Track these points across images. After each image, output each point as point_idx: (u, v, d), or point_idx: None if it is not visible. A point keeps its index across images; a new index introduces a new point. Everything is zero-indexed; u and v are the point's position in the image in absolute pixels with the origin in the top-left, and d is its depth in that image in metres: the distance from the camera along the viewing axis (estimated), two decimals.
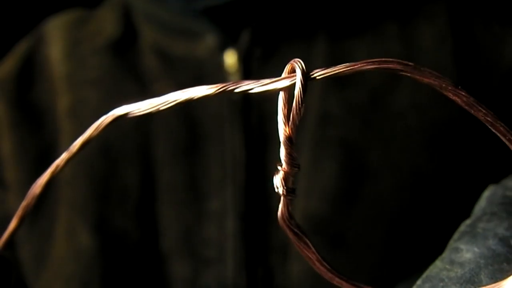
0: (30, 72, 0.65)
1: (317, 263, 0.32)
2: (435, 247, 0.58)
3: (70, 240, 0.60)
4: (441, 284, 0.33)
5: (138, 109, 0.32)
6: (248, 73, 0.60)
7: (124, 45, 0.63)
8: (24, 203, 0.35)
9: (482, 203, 0.39)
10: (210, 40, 0.61)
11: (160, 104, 0.31)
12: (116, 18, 0.65)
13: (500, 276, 0.32)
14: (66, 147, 0.59)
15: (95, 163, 0.60)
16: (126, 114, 0.32)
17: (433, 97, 0.58)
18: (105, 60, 0.63)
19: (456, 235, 0.37)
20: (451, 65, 0.59)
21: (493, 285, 0.31)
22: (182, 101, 0.31)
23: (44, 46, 0.65)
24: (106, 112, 0.61)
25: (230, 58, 0.60)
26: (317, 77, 0.30)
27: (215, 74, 0.60)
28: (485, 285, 0.32)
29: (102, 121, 0.33)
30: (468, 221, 0.38)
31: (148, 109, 0.32)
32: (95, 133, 0.33)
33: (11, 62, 0.66)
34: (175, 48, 0.62)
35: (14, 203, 0.62)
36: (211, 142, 0.60)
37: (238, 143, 0.59)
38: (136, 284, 0.59)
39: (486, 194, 0.40)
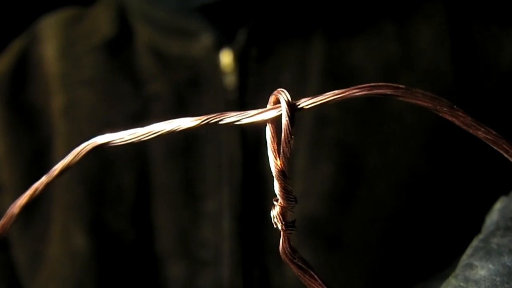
0: (24, 71, 0.64)
1: None
2: (432, 249, 0.57)
3: (65, 241, 0.59)
4: None
5: (120, 138, 0.31)
6: (244, 72, 0.59)
7: (119, 45, 0.63)
8: (1, 222, 0.34)
9: (494, 216, 0.38)
10: (206, 39, 0.60)
11: (143, 134, 0.31)
12: (111, 17, 0.64)
13: None
14: (60, 147, 0.60)
15: (90, 164, 0.60)
16: (108, 143, 0.32)
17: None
18: (100, 59, 0.62)
19: (469, 251, 0.36)
20: (449, 66, 0.59)
21: None
22: (166, 132, 0.30)
23: (39, 45, 0.64)
24: (100, 112, 0.61)
25: (226, 58, 0.59)
26: (304, 107, 0.28)
27: (211, 73, 0.60)
28: None
29: (83, 148, 0.32)
30: (481, 236, 0.37)
31: (131, 139, 0.31)
32: (75, 160, 0.33)
33: (5, 61, 0.65)
34: (171, 48, 0.61)
35: (9, 204, 0.61)
36: (207, 143, 0.59)
37: (234, 144, 0.58)
38: (131, 285, 0.59)
39: (498, 206, 0.39)
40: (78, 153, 0.33)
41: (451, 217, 0.57)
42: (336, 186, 0.57)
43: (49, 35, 0.64)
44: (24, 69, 0.64)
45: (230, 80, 0.59)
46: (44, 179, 0.34)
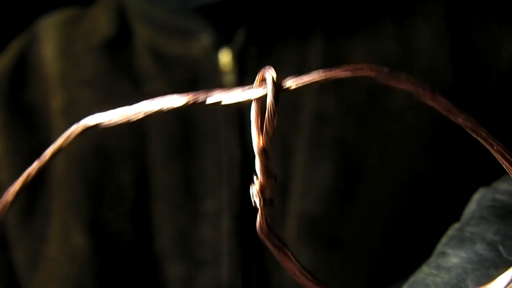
0: (23, 72, 0.64)
1: (298, 274, 0.31)
2: (431, 248, 0.57)
3: (64, 241, 0.59)
4: None
5: (110, 119, 0.31)
6: (243, 72, 0.60)
7: (119, 44, 0.63)
8: None
9: (471, 206, 0.38)
10: (205, 39, 0.60)
11: (132, 114, 0.31)
12: (111, 17, 0.64)
13: (487, 281, 0.32)
14: None
15: (89, 163, 0.60)
16: (98, 124, 0.32)
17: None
18: (99, 59, 0.62)
19: (444, 239, 0.36)
20: (448, 65, 0.59)
21: None
22: (154, 112, 0.30)
23: (38, 45, 0.65)
24: (99, 111, 0.61)
25: (225, 57, 0.60)
26: (290, 87, 0.29)
27: (210, 73, 0.60)
28: None
29: (73, 131, 0.32)
30: (456, 225, 0.37)
31: (120, 120, 0.31)
32: (66, 142, 0.33)
33: (4, 61, 0.65)
34: (170, 47, 0.62)
35: None
36: (206, 142, 0.59)
37: (233, 143, 0.58)
38: (130, 285, 0.59)
39: (476, 197, 0.39)
40: (68, 136, 0.33)
41: (451, 216, 0.58)
42: (335, 185, 0.57)
43: (49, 35, 0.65)
44: (24, 69, 0.64)
45: (229, 79, 0.59)
46: (36, 164, 0.34)
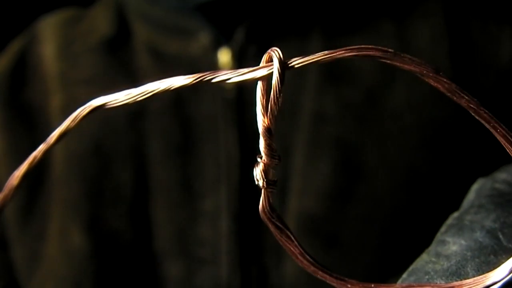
0: (23, 71, 0.64)
1: (299, 257, 0.31)
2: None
3: (63, 240, 0.59)
4: (427, 277, 0.33)
5: (116, 100, 0.31)
6: None
7: (118, 44, 0.63)
8: (1, 195, 0.34)
9: (470, 195, 0.39)
10: (204, 38, 0.60)
11: (138, 94, 0.31)
12: (110, 16, 0.65)
13: (487, 268, 0.32)
14: (59, 146, 0.59)
15: (88, 162, 0.60)
16: (104, 105, 0.32)
17: (429, 96, 0.58)
18: (99, 58, 0.62)
19: (443, 228, 0.36)
20: (447, 64, 0.59)
21: (479, 277, 0.31)
22: (160, 91, 0.30)
23: (37, 45, 0.65)
24: (99, 111, 0.61)
25: (224, 56, 0.60)
26: (295, 65, 0.29)
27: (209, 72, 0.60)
28: (471, 278, 0.31)
29: (79, 113, 0.32)
30: (455, 214, 0.37)
31: (126, 99, 0.31)
32: (73, 124, 0.32)
33: (4, 61, 0.65)
34: (169, 47, 0.62)
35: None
36: (205, 141, 0.59)
37: (232, 142, 0.58)
38: (129, 284, 0.59)
39: (475, 186, 0.40)
40: (75, 118, 0.33)
41: (450, 214, 0.58)
42: (334, 184, 0.57)
43: (48, 35, 0.65)
44: (23, 69, 0.64)
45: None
46: (42, 147, 0.34)
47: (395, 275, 0.54)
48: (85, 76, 0.62)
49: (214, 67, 0.60)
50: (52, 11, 0.68)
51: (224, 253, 0.58)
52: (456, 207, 0.60)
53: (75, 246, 0.59)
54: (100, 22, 0.64)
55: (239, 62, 0.59)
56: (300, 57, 0.29)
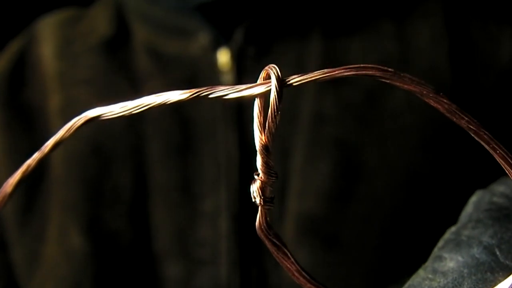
0: (22, 72, 0.64)
1: (296, 274, 0.31)
2: (430, 247, 0.57)
3: (62, 241, 0.59)
4: None
5: (111, 112, 0.31)
6: (241, 71, 0.59)
7: (117, 44, 0.63)
8: None
9: (468, 209, 0.39)
10: (203, 38, 0.60)
11: (134, 107, 0.30)
12: (109, 17, 0.64)
13: (483, 286, 0.32)
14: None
15: (88, 163, 0.60)
16: (99, 116, 0.31)
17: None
18: (98, 59, 0.62)
19: (440, 243, 0.36)
20: (447, 64, 0.59)
21: None
22: (156, 105, 0.30)
23: (36, 45, 0.65)
24: None
25: (223, 57, 0.59)
26: (293, 84, 0.29)
27: (208, 72, 0.60)
28: None
29: (74, 123, 0.32)
30: (453, 228, 0.37)
31: (121, 112, 0.31)
32: (67, 134, 0.32)
33: (3, 61, 0.65)
34: (168, 47, 0.61)
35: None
36: (204, 142, 0.59)
37: (231, 143, 0.58)
38: (128, 285, 0.59)
39: (473, 199, 0.39)
40: (70, 128, 0.33)
41: (449, 215, 0.58)
42: (334, 184, 0.57)
43: (47, 35, 0.64)
44: (22, 69, 0.64)
45: (227, 79, 0.59)
46: (36, 155, 0.34)
47: (394, 275, 0.55)
48: (84, 76, 0.62)
49: (213, 67, 0.60)
50: (51, 11, 0.68)
51: (224, 253, 0.58)
52: (455, 207, 0.60)
53: (75, 246, 0.59)
54: (99, 22, 0.64)
55: (238, 62, 0.59)
56: (298, 75, 0.29)
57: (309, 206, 0.57)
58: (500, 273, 0.32)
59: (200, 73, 0.60)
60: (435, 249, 0.36)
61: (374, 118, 0.58)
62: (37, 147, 0.62)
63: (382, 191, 0.57)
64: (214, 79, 0.59)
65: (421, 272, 0.35)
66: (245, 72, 0.59)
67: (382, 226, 0.57)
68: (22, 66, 0.64)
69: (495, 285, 0.30)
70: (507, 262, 0.33)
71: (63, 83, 0.62)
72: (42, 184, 0.61)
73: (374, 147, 0.58)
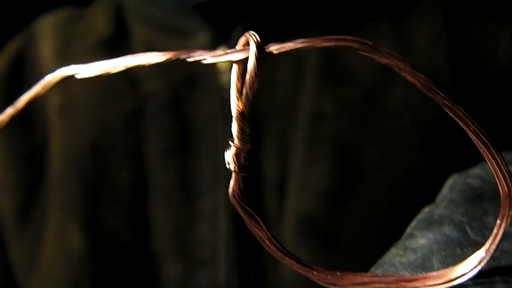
0: (21, 71, 0.64)
1: (267, 242, 0.31)
2: None
3: (61, 240, 0.59)
4: (392, 269, 0.33)
5: (87, 70, 0.31)
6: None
7: (116, 44, 0.63)
8: None
9: (444, 191, 0.39)
10: (202, 38, 0.60)
11: (110, 67, 0.30)
12: (108, 16, 0.64)
13: (452, 261, 0.32)
14: (56, 146, 0.60)
15: (86, 162, 0.60)
16: (74, 74, 0.31)
17: (428, 97, 0.58)
18: (97, 58, 0.61)
19: (413, 222, 0.37)
20: (446, 64, 0.59)
21: (444, 270, 0.31)
22: (132, 66, 0.30)
23: (35, 45, 0.65)
24: (96, 110, 0.61)
25: None
26: (273, 51, 0.29)
27: (207, 72, 0.60)
28: (436, 270, 0.31)
29: (50, 80, 0.32)
30: (427, 208, 0.38)
31: (97, 71, 0.31)
32: (42, 91, 0.32)
33: (1, 61, 0.65)
34: (167, 46, 0.61)
35: (6, 202, 0.62)
36: (203, 141, 0.59)
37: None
38: (127, 285, 0.59)
39: (449, 182, 0.40)
40: (45, 85, 0.33)
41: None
42: (332, 184, 0.57)
43: (46, 34, 0.64)
44: (21, 68, 0.64)
45: (227, 78, 0.59)
46: (10, 111, 0.33)
47: None
48: None
49: (213, 66, 0.59)
50: (50, 10, 0.68)
51: (223, 253, 0.57)
52: None
53: (73, 246, 0.59)
54: (98, 22, 0.64)
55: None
56: (278, 43, 0.29)
57: (308, 206, 0.57)
58: (470, 249, 0.32)
59: (199, 73, 0.60)
60: (408, 228, 0.36)
61: (373, 118, 0.58)
62: (35, 147, 0.62)
63: (381, 191, 0.57)
64: (213, 79, 0.59)
65: (392, 250, 0.35)
66: (244, 71, 0.59)
67: (381, 226, 0.57)
68: (21, 66, 0.64)
69: (464, 260, 0.31)
70: (477, 238, 0.33)
71: (62, 83, 0.61)
72: (41, 184, 0.61)
73: (373, 146, 0.58)
